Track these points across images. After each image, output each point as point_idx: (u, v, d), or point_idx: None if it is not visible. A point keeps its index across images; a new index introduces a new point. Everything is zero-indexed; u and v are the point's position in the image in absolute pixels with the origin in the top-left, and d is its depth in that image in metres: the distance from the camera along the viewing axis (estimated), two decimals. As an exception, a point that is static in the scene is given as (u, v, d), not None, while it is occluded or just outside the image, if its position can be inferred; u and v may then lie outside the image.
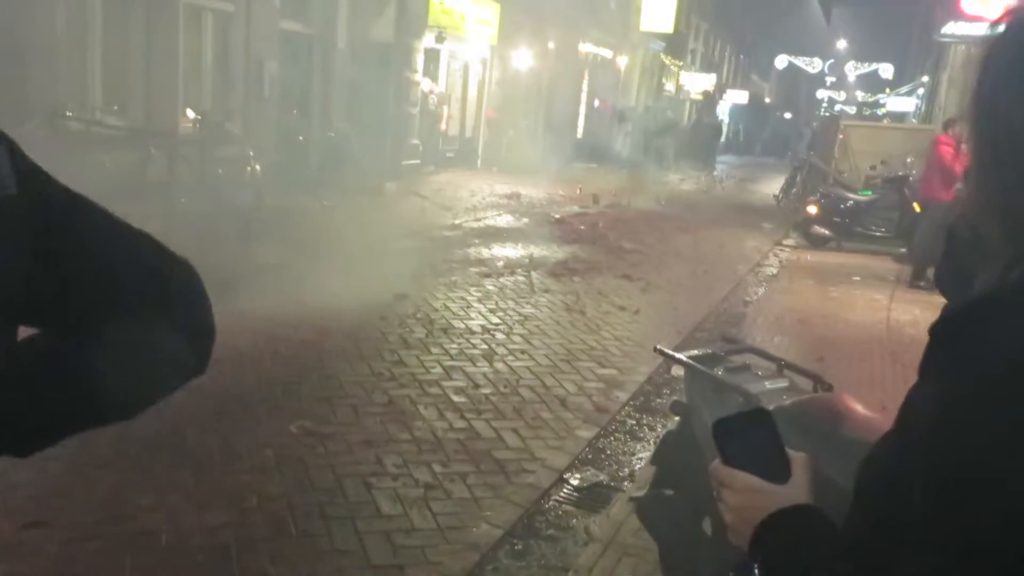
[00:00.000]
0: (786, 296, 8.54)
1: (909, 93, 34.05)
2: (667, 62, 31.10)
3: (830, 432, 2.11)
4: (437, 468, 3.95)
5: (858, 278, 9.67)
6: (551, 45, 21.14)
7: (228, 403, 4.46)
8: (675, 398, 3.48)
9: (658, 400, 5.15)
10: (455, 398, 4.86)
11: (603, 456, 4.33)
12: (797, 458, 1.01)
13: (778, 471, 0.99)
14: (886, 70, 44.84)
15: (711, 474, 1.03)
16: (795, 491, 0.97)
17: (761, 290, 8.83)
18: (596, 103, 25.70)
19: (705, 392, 2.64)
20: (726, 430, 1.02)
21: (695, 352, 2.91)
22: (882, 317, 7.69)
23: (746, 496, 0.98)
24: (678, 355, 2.88)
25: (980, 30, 10.03)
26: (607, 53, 25.51)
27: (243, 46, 11.59)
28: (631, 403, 5.08)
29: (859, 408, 2.28)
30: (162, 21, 10.04)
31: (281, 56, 12.23)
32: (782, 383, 2.62)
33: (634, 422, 4.82)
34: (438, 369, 5.34)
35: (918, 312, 7.62)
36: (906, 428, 0.85)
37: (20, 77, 8.44)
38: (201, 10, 11.02)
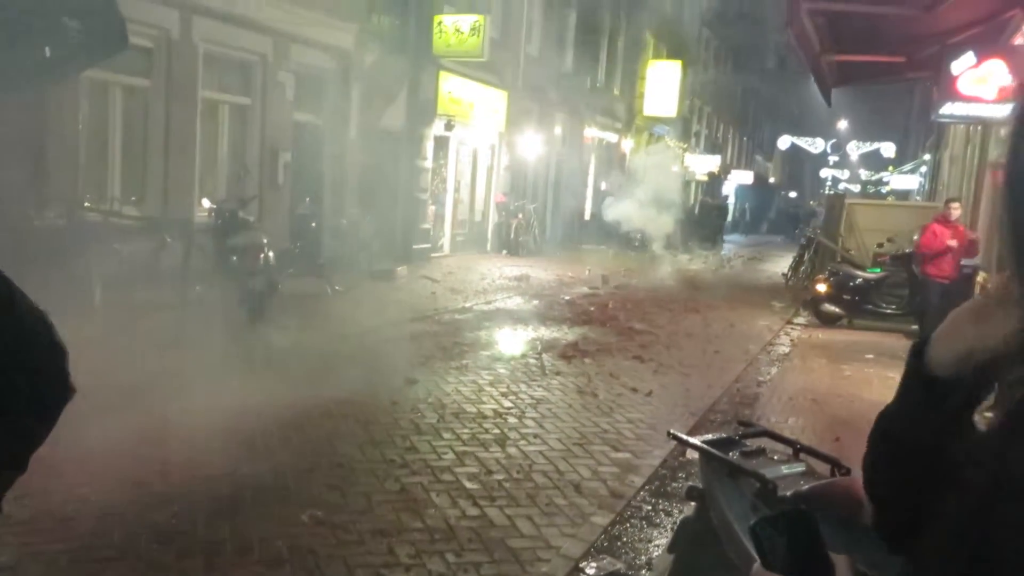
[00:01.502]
0: (799, 375, 8.48)
1: (912, 171, 34.48)
2: (671, 145, 31.69)
3: (851, 518, 2.08)
4: (451, 558, 3.87)
5: (871, 356, 9.61)
6: (558, 130, 21.67)
7: (239, 491, 4.42)
8: (691, 483, 3.43)
9: (674, 484, 5.07)
10: (468, 484, 4.80)
11: (619, 543, 4.24)
12: (839, 561, 0.98)
13: None
14: (888, 149, 45.59)
15: None
16: None
17: (774, 370, 8.78)
18: (603, 186, 26.13)
19: (721, 477, 2.61)
20: (766, 531, 0.98)
21: (709, 436, 2.90)
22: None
23: None
24: (692, 440, 2.87)
25: (977, 110, 10.17)
26: (612, 137, 26.10)
27: (258, 137, 11.95)
28: (647, 488, 5.01)
29: (879, 492, 2.25)
30: (180, 114, 10.37)
31: (295, 146, 12.57)
32: (799, 467, 2.59)
33: (650, 507, 4.74)
34: (450, 455, 5.29)
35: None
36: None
37: (42, 169, 8.70)
38: (218, 103, 11.41)
